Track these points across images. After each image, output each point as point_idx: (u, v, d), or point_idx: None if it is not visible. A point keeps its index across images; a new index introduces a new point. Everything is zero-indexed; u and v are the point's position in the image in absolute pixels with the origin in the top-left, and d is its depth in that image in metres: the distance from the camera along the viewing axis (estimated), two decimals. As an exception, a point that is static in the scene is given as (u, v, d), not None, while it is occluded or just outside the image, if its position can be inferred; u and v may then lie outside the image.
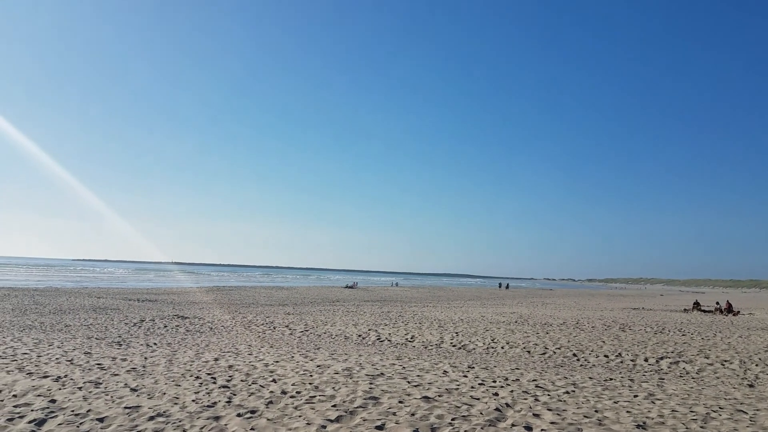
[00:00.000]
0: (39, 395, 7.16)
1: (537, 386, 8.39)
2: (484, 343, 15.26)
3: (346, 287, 63.95)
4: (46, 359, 9.78)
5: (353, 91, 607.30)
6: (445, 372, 9.34)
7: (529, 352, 14.03)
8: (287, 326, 18.73)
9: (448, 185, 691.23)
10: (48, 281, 56.63)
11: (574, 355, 13.55)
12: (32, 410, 6.53)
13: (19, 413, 6.42)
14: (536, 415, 6.47)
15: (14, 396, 7.11)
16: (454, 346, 15.00)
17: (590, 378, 9.68)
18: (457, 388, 7.87)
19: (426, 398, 7.14)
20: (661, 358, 13.05)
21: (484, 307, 32.95)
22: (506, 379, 8.95)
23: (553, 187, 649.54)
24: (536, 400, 7.36)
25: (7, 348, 11.01)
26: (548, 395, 7.71)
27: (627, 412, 6.86)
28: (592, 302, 45.39)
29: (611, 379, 9.71)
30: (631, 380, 9.80)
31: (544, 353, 13.82)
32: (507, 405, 6.95)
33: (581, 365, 12.22)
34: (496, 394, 7.58)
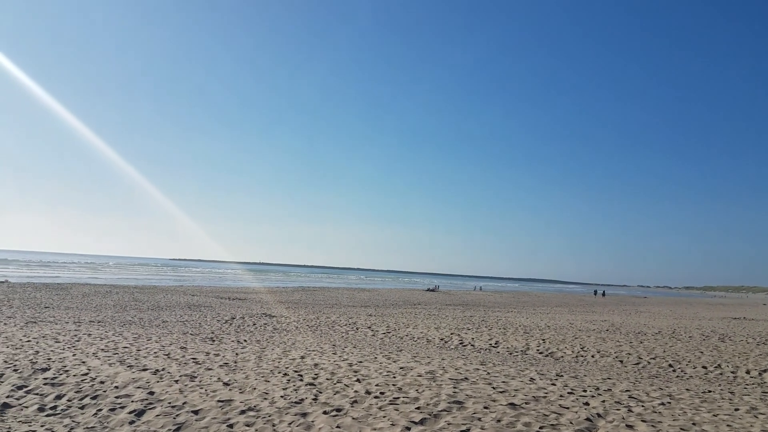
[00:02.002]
0: (138, 387, 7.59)
1: (630, 397, 8.00)
2: (573, 351, 14.77)
3: (428, 290, 63.84)
4: (145, 353, 10.36)
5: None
6: (531, 379, 9.08)
7: (621, 361, 13.45)
8: (369, 327, 18.92)
9: (539, 189, 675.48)
10: (146, 279, 60.11)
11: (670, 365, 12.87)
12: (132, 401, 6.93)
13: (120, 404, 6.84)
14: (629, 426, 6.17)
15: (116, 387, 7.58)
16: (540, 353, 14.62)
17: (687, 390, 9.14)
18: (544, 396, 7.63)
19: (512, 405, 6.96)
20: (765, 371, 12.17)
21: (572, 314, 31.92)
22: (597, 388, 8.59)
23: (647, 190, 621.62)
24: (629, 410, 7.02)
25: (109, 342, 11.75)
26: (642, 406, 7.34)
27: (727, 425, 6.42)
28: (689, 311, 42.92)
29: (710, 392, 9.13)
30: (731, 393, 9.20)
31: (637, 363, 13.20)
32: (598, 415, 6.67)
33: (677, 376, 11.59)
34: (587, 404, 7.29)
